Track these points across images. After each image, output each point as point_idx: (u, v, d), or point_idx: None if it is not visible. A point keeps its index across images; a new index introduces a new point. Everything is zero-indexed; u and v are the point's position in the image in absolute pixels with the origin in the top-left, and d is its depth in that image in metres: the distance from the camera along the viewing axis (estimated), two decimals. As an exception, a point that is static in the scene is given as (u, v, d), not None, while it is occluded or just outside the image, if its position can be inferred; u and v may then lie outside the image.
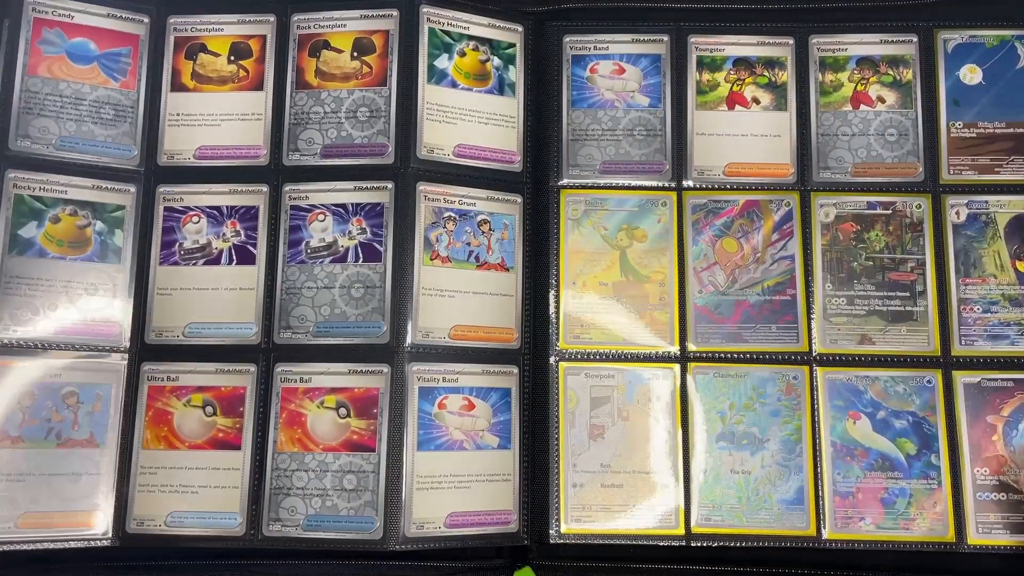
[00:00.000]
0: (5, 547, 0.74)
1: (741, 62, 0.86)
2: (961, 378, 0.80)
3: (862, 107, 0.85)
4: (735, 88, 0.85)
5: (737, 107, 0.85)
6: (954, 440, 0.79)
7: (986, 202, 0.82)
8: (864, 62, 0.85)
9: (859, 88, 0.85)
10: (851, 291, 0.81)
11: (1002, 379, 0.79)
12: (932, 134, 0.84)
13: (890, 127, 0.84)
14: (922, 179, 0.83)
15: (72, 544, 0.76)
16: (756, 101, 0.85)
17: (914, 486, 0.78)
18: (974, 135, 0.83)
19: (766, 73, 0.85)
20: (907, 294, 0.81)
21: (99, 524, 0.76)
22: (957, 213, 0.82)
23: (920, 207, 0.82)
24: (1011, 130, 0.83)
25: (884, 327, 0.81)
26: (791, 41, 0.86)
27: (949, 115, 0.84)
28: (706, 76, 0.86)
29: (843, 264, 0.82)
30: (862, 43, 0.86)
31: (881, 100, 0.85)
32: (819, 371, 0.80)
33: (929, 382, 0.80)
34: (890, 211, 0.83)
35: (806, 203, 0.83)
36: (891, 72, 0.85)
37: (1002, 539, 0.77)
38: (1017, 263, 0.81)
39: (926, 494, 0.78)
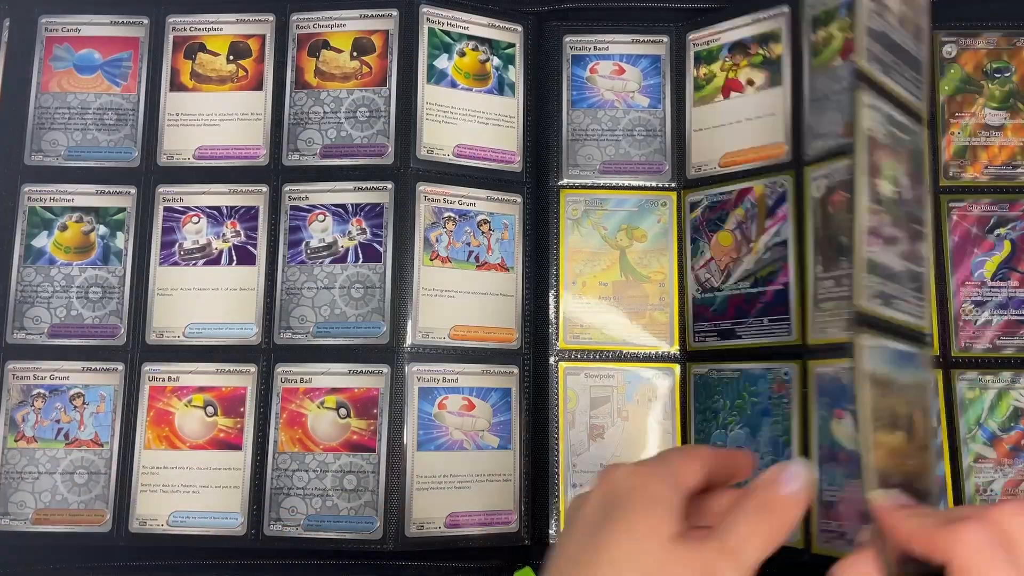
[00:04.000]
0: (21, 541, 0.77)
1: (736, 47, 0.83)
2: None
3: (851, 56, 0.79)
4: (730, 75, 0.83)
5: (732, 93, 0.82)
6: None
7: None
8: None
9: (848, 36, 0.76)
10: (840, 270, 0.72)
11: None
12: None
13: None
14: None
15: (80, 542, 0.77)
16: (751, 83, 0.81)
17: None
18: None
19: (760, 51, 0.81)
20: None
21: (105, 523, 0.77)
22: None
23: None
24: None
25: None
26: (786, 9, 0.80)
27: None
28: (703, 70, 0.84)
29: (832, 241, 0.74)
30: None
31: None
32: (811, 364, 0.74)
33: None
34: None
35: (800, 181, 0.77)
36: None
37: None
38: None
39: None
